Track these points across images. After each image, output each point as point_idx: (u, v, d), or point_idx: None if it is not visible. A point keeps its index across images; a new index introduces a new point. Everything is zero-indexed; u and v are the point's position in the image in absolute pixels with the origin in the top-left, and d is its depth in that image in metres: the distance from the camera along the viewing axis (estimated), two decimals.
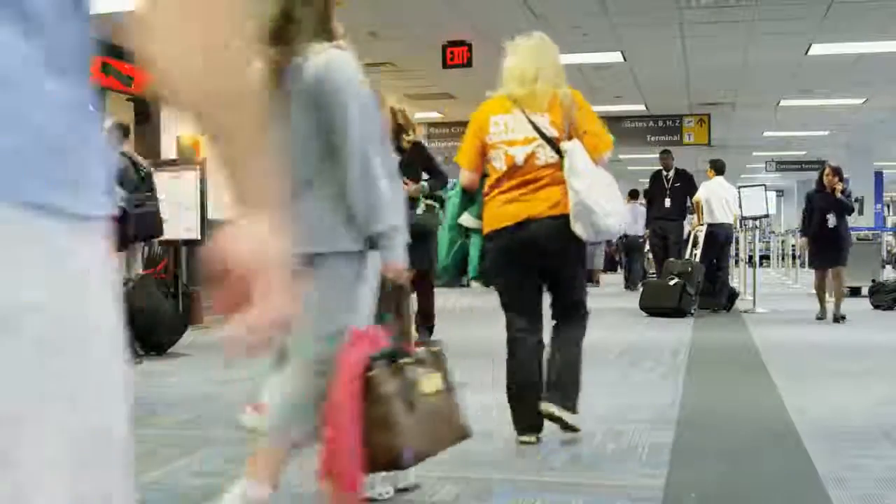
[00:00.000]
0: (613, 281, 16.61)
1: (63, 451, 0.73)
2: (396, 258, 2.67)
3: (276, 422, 2.71)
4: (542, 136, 3.76)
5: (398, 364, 2.61)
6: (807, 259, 10.34)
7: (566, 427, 3.90)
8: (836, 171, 9.81)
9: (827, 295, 9.65)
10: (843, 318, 9.32)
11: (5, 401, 0.70)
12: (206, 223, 8.38)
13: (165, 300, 7.36)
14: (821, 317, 9.60)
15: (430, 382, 2.67)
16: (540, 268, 3.93)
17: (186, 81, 0.90)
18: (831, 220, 9.51)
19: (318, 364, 2.62)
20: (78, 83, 0.81)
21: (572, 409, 3.89)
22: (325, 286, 2.63)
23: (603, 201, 3.71)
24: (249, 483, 2.61)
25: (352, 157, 2.58)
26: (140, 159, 7.66)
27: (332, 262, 2.63)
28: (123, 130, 7.66)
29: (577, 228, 3.72)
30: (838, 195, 9.61)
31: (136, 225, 7.35)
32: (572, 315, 4.02)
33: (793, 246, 18.49)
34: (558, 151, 3.76)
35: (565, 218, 3.73)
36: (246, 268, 0.93)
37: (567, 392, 3.92)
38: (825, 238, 9.56)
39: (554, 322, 4.04)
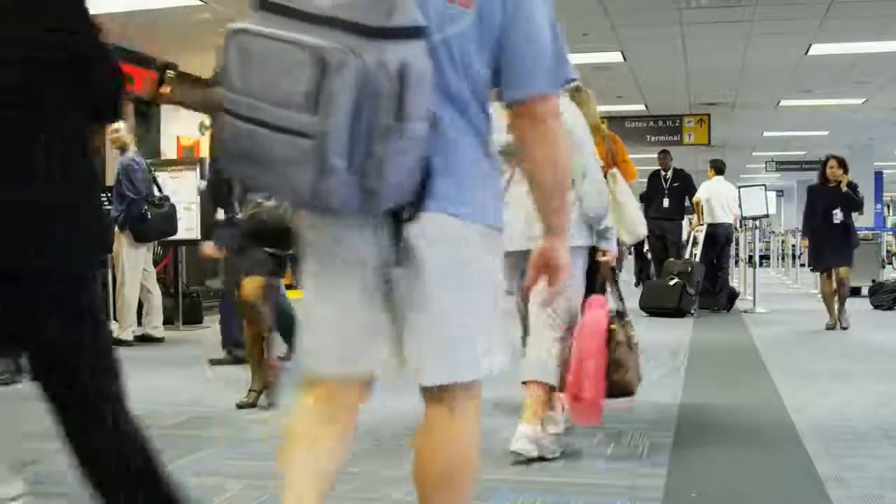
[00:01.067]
0: None
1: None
2: (612, 248, 3.84)
3: (541, 372, 3.66)
4: None
5: (624, 321, 3.75)
6: (807, 260, 9.70)
7: None
8: (841, 163, 8.84)
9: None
10: (845, 327, 8.66)
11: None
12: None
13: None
14: (832, 325, 8.66)
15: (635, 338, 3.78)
16: None
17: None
18: (837, 215, 8.63)
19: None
20: (486, 142, 1.82)
21: None
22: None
23: (637, 214, 4.59)
24: (526, 425, 3.57)
25: (587, 179, 3.62)
26: (142, 160, 7.68)
27: (575, 253, 3.40)
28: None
29: (622, 235, 4.43)
30: (844, 188, 8.74)
31: (158, 224, 7.46)
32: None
33: (793, 246, 18.49)
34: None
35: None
36: (562, 263, 1.90)
37: None
38: (829, 234, 8.66)
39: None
